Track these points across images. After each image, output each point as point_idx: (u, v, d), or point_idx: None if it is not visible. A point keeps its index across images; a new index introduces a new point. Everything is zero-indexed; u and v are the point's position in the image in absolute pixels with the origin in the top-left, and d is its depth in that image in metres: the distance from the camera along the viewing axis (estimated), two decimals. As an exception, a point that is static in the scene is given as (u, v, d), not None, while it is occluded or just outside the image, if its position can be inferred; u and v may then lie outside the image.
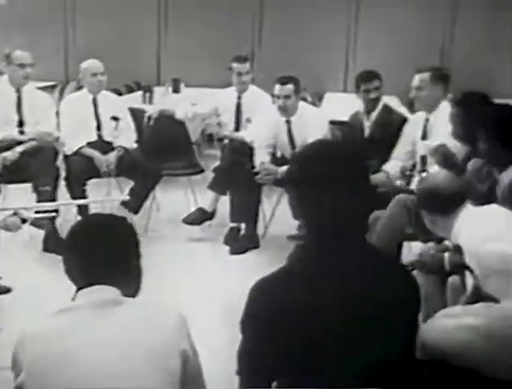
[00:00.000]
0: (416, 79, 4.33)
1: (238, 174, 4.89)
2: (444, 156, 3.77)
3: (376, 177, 4.27)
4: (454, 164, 3.70)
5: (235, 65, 5.48)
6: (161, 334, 1.81)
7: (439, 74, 4.38)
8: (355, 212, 1.67)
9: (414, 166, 4.44)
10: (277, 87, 4.83)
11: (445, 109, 4.16)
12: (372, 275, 1.66)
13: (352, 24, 8.67)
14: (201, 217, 5.21)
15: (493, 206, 2.70)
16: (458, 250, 3.12)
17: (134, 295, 1.95)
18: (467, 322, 1.83)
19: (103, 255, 1.88)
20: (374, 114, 4.77)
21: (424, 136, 4.37)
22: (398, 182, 4.28)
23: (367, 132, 4.79)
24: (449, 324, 1.93)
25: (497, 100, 5.82)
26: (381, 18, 8.48)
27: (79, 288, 1.87)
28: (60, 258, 1.94)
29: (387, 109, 4.83)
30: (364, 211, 1.75)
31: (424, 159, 4.12)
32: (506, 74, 8.18)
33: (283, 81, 4.81)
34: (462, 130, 3.68)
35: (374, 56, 8.40)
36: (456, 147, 3.97)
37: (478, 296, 2.43)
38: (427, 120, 4.37)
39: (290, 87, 4.80)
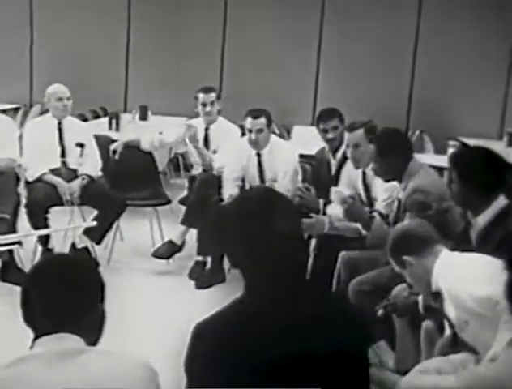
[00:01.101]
0: (352, 138, 4.14)
1: (207, 207, 4.79)
2: (350, 208, 3.74)
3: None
4: (360, 215, 3.73)
5: (200, 95, 5.37)
6: (128, 386, 1.69)
7: (371, 127, 4.19)
8: (286, 259, 1.73)
9: None
10: (249, 120, 4.74)
11: None
12: (308, 314, 1.69)
13: (322, 58, 8.71)
14: (170, 250, 5.06)
15: (473, 254, 2.66)
16: (433, 294, 3.08)
17: (96, 341, 1.83)
18: (446, 384, 1.77)
19: (65, 301, 1.75)
20: (340, 153, 4.56)
21: (367, 189, 4.27)
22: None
23: (333, 170, 4.68)
24: (428, 383, 1.86)
25: (464, 139, 5.86)
26: (348, 51, 8.54)
27: (37, 336, 1.73)
28: (17, 288, 1.82)
29: None
30: (295, 257, 1.79)
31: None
32: (468, 114, 8.29)
33: (255, 115, 4.73)
34: (392, 172, 3.70)
35: (342, 89, 8.46)
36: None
37: (455, 344, 2.36)
38: (364, 173, 4.26)
39: (262, 120, 4.72)
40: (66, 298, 1.75)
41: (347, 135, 4.22)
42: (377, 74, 8.46)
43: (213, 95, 5.40)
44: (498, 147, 6.58)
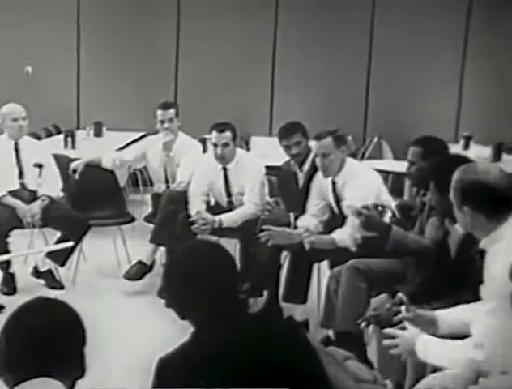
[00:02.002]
0: (321, 146, 4.10)
1: (176, 223, 4.71)
2: (368, 219, 3.68)
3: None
4: (378, 225, 3.61)
5: (158, 112, 5.31)
6: None
7: (339, 136, 4.18)
8: (225, 298, 1.94)
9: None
10: (214, 134, 4.68)
11: (347, 169, 4.15)
12: (255, 346, 1.86)
13: (276, 68, 8.74)
14: (141, 271, 4.95)
15: None
16: (413, 301, 3.08)
17: (74, 382, 1.80)
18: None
19: (48, 348, 1.72)
20: (306, 165, 4.53)
21: (338, 200, 4.24)
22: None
23: (301, 183, 4.61)
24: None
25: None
26: (302, 60, 8.59)
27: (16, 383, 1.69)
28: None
29: None
30: (233, 294, 1.99)
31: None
32: (424, 118, 8.42)
33: (221, 129, 4.67)
34: (419, 177, 3.58)
35: (297, 98, 8.48)
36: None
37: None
38: (334, 183, 4.23)
39: (228, 134, 4.67)
40: (49, 346, 1.72)
41: (314, 144, 4.17)
42: (333, 83, 8.52)
43: (171, 111, 5.33)
44: (455, 150, 6.69)
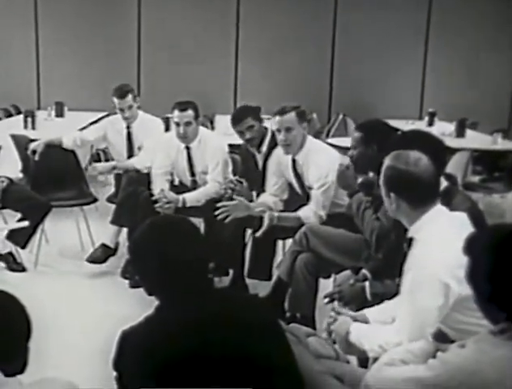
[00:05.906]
0: (284, 121, 4.00)
1: (137, 204, 4.64)
2: (341, 174, 3.66)
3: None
4: (350, 185, 3.63)
5: (116, 101, 5.18)
6: None
7: (301, 111, 4.10)
8: (193, 273, 1.90)
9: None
10: (176, 113, 4.59)
11: (308, 147, 4.10)
12: (219, 324, 1.84)
13: (240, 46, 8.67)
14: (105, 254, 4.87)
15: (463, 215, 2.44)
16: (376, 277, 3.08)
17: (21, 372, 1.81)
18: (417, 374, 1.75)
19: None
20: (264, 146, 4.48)
21: (299, 178, 4.20)
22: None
23: (260, 163, 4.55)
24: (396, 375, 1.83)
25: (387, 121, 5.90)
26: (266, 39, 8.54)
27: None
28: None
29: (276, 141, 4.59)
30: (202, 268, 1.95)
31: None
32: (389, 95, 8.44)
33: (183, 107, 4.58)
34: (369, 161, 3.46)
35: (262, 77, 8.44)
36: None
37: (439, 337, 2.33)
38: (294, 161, 4.18)
39: (190, 113, 4.58)
40: None
41: (277, 119, 4.05)
42: (298, 61, 8.49)
43: (129, 98, 5.19)
44: (419, 126, 6.73)
